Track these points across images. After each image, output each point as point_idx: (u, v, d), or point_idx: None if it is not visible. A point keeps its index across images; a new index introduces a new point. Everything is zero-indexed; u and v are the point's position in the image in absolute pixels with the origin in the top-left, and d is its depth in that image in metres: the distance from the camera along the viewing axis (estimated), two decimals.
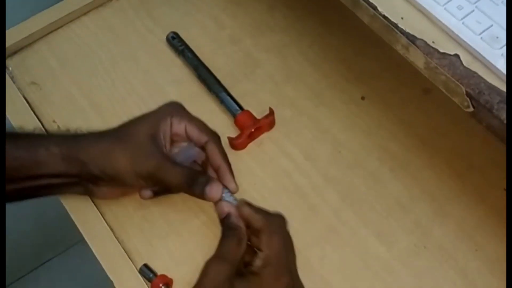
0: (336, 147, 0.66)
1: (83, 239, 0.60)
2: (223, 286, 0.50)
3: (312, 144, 0.66)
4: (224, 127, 0.67)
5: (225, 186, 0.57)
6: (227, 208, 0.55)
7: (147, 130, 0.57)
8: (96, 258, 0.59)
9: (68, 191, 0.59)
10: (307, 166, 0.65)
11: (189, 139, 0.59)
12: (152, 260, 0.59)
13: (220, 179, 0.58)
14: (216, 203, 0.56)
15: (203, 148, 0.59)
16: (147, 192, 0.60)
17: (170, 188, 0.58)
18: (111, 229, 0.61)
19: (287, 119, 0.68)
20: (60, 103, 0.70)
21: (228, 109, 0.68)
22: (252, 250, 0.54)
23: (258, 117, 0.66)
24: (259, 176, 0.64)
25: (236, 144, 0.65)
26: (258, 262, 0.52)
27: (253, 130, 0.66)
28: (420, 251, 0.59)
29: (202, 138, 0.59)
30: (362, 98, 0.69)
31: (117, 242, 0.60)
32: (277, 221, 0.55)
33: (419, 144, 0.65)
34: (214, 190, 0.55)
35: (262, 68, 0.72)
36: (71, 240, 1.29)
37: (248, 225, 0.54)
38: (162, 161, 0.56)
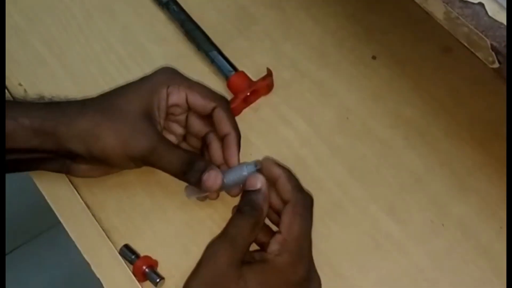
0: (342, 113, 0.66)
1: (56, 222, 0.61)
2: (228, 275, 0.49)
3: (315, 110, 0.67)
4: (216, 90, 0.66)
5: (225, 160, 0.57)
6: (260, 183, 0.53)
7: (139, 104, 0.56)
8: (72, 241, 0.60)
9: (40, 167, 0.59)
10: (310, 134, 0.65)
11: (192, 109, 0.59)
12: (134, 240, 0.60)
13: (224, 149, 0.58)
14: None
15: (209, 116, 0.58)
16: None
17: (162, 170, 0.57)
18: (88, 206, 0.62)
19: (287, 82, 0.68)
20: (27, 64, 0.70)
21: (220, 70, 0.68)
22: (268, 229, 0.54)
23: (254, 79, 0.67)
24: (255, 146, 0.65)
25: None
26: (273, 246, 0.51)
27: (248, 94, 0.66)
28: (437, 229, 0.60)
29: (208, 105, 0.58)
30: (373, 57, 0.69)
31: (94, 220, 0.61)
32: (305, 201, 0.53)
33: (437, 110, 0.66)
34: (212, 178, 0.55)
35: (259, 24, 0.72)
36: (42, 226, 1.30)
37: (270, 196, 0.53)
38: (157, 142, 0.55)
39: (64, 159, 0.58)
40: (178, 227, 0.61)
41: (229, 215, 0.59)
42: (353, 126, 0.66)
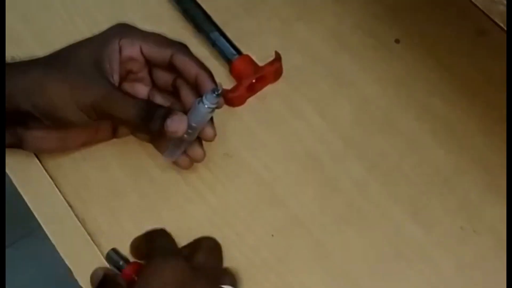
0: (361, 104, 0.67)
1: (35, 226, 0.62)
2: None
3: (330, 100, 0.67)
4: (217, 77, 0.66)
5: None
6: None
7: (88, 55, 0.59)
8: (52, 246, 0.60)
9: None
10: (324, 127, 0.66)
11: (149, 61, 0.62)
12: (122, 244, 0.60)
13: (201, 89, 0.60)
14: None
15: (169, 67, 0.61)
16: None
17: (120, 123, 0.61)
18: (70, 206, 0.62)
19: (298, 67, 0.69)
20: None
21: (222, 53, 0.69)
22: None
23: (261, 64, 0.67)
24: (261, 140, 0.66)
25: (232, 99, 0.66)
26: None
27: (254, 80, 0.67)
28: (467, 236, 0.60)
29: (165, 52, 0.61)
30: (397, 41, 0.70)
31: (77, 221, 0.62)
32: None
33: (469, 100, 0.66)
34: (176, 122, 0.57)
35: (268, 2, 0.73)
36: (19, 230, 1.31)
37: None
38: (109, 88, 0.58)
39: (15, 127, 0.60)
40: (172, 229, 0.60)
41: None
42: (373, 119, 0.66)
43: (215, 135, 0.60)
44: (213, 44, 0.69)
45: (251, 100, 0.68)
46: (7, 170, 0.64)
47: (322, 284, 0.59)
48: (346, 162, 0.64)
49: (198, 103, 0.58)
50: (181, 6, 0.71)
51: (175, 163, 0.62)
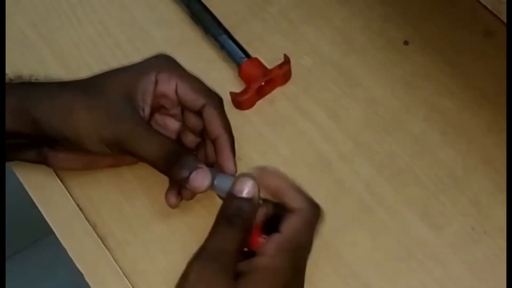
0: (370, 105, 0.68)
1: (47, 231, 0.63)
2: None
3: (339, 101, 0.68)
4: (226, 80, 0.69)
5: (220, 166, 0.59)
6: (249, 188, 0.53)
7: (121, 84, 0.58)
8: (64, 250, 0.62)
9: (17, 157, 0.62)
10: (333, 129, 0.67)
11: (180, 103, 0.61)
12: (132, 248, 0.62)
13: (216, 154, 0.60)
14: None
15: (199, 114, 0.60)
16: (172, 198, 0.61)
17: (142, 161, 0.59)
18: (81, 210, 0.64)
19: (307, 69, 0.70)
20: (12, 48, 0.72)
21: (231, 56, 0.70)
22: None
23: (270, 66, 0.68)
24: (271, 142, 0.67)
25: (241, 102, 0.68)
26: (270, 246, 0.51)
27: (263, 83, 0.68)
28: (478, 237, 0.61)
29: (198, 101, 0.60)
30: (405, 42, 0.71)
31: (88, 225, 0.63)
32: (316, 211, 0.54)
33: (478, 100, 0.67)
34: (201, 177, 0.56)
35: (275, 4, 0.74)
36: (32, 235, 1.33)
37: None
38: (135, 124, 0.57)
39: (41, 147, 0.61)
40: (183, 233, 0.62)
41: None
42: (382, 120, 0.67)
43: (236, 170, 0.60)
44: (222, 47, 0.70)
45: (260, 102, 0.69)
46: (18, 175, 0.66)
47: (332, 285, 0.60)
48: (355, 163, 0.65)
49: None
50: (190, 9, 0.73)
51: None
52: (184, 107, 0.62)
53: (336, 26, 0.72)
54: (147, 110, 0.60)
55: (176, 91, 0.60)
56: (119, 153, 0.59)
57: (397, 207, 0.63)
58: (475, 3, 0.53)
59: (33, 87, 0.59)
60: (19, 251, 1.37)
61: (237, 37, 0.71)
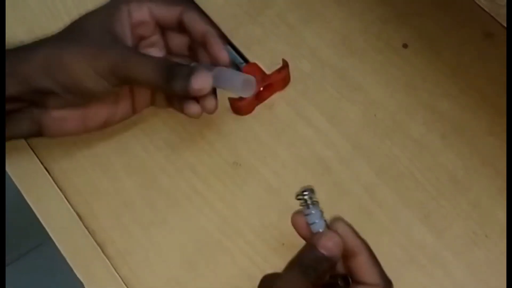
0: (369, 109, 0.69)
1: (46, 238, 0.64)
2: None
3: (338, 105, 0.69)
4: None
5: (214, 60, 0.60)
6: (335, 248, 0.50)
7: (99, 24, 0.60)
8: (63, 258, 0.62)
9: (12, 132, 0.62)
10: (332, 133, 0.68)
11: (159, 23, 0.62)
12: (132, 255, 0.62)
13: (208, 47, 0.61)
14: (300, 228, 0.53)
15: (180, 27, 0.62)
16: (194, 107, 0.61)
17: (141, 85, 0.61)
18: (79, 217, 0.64)
19: (306, 74, 0.71)
20: None
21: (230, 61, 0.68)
22: None
23: (268, 71, 0.69)
24: (270, 147, 0.67)
25: (240, 107, 0.68)
26: None
27: (261, 88, 0.68)
28: (479, 240, 0.62)
29: (175, 10, 0.62)
30: (404, 45, 0.72)
31: (87, 232, 0.64)
32: None
33: (478, 102, 0.68)
34: (201, 78, 0.57)
35: (273, 7, 0.75)
36: (29, 242, 1.33)
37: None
38: (126, 50, 0.60)
39: (31, 109, 0.61)
40: (183, 240, 0.63)
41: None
42: (382, 123, 0.68)
43: (216, 107, 0.61)
44: None
45: (259, 108, 0.69)
46: (16, 182, 0.66)
47: None
48: (355, 167, 0.66)
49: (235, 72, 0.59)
50: None
51: (184, 109, 0.62)
52: (163, 27, 0.63)
53: (335, 29, 0.73)
54: (129, 43, 0.62)
55: (150, 13, 0.62)
56: (117, 85, 0.60)
57: (397, 211, 0.63)
58: (474, 5, 0.53)
59: (20, 50, 0.60)
60: (18, 257, 1.37)
61: (234, 42, 0.71)
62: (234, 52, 0.71)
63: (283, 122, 0.69)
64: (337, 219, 0.53)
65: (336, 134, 0.67)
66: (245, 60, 0.70)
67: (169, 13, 0.62)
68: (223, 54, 0.61)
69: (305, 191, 0.52)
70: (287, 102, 0.69)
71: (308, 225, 0.52)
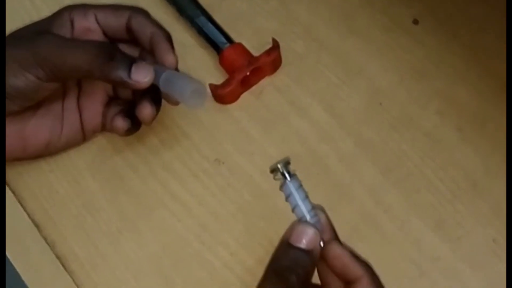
0: (373, 97, 0.67)
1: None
2: None
3: (337, 93, 0.67)
4: (205, 69, 0.69)
5: (160, 62, 0.60)
6: (308, 236, 0.49)
7: (35, 28, 0.62)
8: (16, 273, 0.60)
9: None
10: (331, 125, 0.66)
11: (106, 29, 0.63)
12: (98, 270, 0.61)
13: (155, 51, 0.61)
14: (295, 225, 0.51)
15: (129, 33, 0.63)
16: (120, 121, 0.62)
17: (77, 74, 0.61)
18: (36, 226, 0.62)
19: (299, 56, 0.69)
20: None
21: (210, 42, 0.69)
22: None
23: (256, 53, 0.67)
24: (258, 142, 0.66)
25: (223, 95, 0.66)
26: None
27: (248, 73, 0.67)
28: (500, 251, 0.60)
29: (122, 16, 0.63)
30: (415, 21, 0.70)
31: (45, 244, 0.61)
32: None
33: (499, 90, 0.66)
34: (142, 70, 0.58)
35: None
36: None
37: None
38: (59, 37, 0.60)
39: None
40: (156, 252, 0.61)
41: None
42: (389, 114, 0.66)
43: (152, 118, 0.61)
44: (200, 31, 0.69)
45: (245, 95, 0.68)
46: None
47: None
48: (357, 165, 0.64)
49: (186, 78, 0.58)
50: None
51: (113, 128, 0.63)
52: (113, 38, 0.64)
53: (334, 4, 0.72)
54: None
55: (96, 21, 0.63)
56: (48, 79, 0.59)
57: (406, 217, 0.62)
58: None
59: None
60: None
61: (217, 19, 0.70)
62: (216, 30, 0.69)
63: (273, 112, 0.67)
64: (330, 241, 0.51)
65: (335, 127, 0.66)
66: (229, 40, 0.69)
67: (116, 20, 0.63)
68: (170, 57, 0.61)
69: (278, 163, 0.50)
70: (277, 89, 0.68)
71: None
